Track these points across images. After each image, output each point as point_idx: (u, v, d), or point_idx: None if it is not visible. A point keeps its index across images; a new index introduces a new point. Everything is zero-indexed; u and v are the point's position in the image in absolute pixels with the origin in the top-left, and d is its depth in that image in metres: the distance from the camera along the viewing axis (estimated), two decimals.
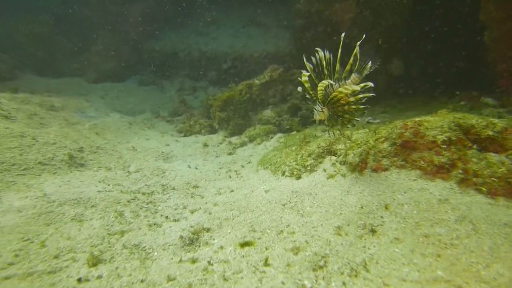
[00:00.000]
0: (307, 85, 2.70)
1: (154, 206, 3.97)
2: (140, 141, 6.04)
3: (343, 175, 3.15)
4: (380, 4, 7.54)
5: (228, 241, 2.91)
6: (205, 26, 12.35)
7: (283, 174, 3.89)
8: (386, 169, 2.86)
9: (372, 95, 2.64)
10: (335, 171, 3.28)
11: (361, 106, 2.75)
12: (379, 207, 2.56)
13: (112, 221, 3.34)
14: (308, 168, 3.56)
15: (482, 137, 2.74)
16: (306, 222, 2.84)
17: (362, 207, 2.64)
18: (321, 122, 3.02)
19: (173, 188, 4.45)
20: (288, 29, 10.89)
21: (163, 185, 4.53)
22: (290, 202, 3.24)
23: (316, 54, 2.79)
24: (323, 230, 2.63)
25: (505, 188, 2.41)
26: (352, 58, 2.69)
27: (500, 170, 2.47)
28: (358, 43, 2.65)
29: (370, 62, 2.67)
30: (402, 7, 7.38)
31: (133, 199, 4.01)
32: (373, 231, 2.37)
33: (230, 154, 5.79)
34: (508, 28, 4.63)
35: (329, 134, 3.08)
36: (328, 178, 3.27)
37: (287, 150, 4.32)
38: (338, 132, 3.02)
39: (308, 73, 2.60)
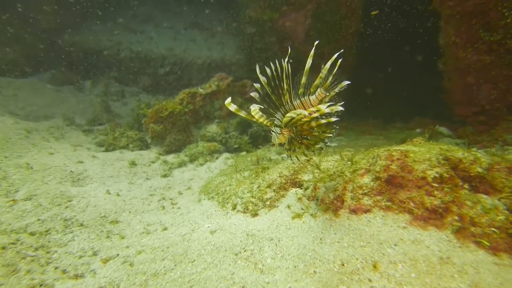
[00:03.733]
0: (257, 116, 2.25)
1: (47, 253, 2.94)
2: (40, 156, 4.76)
3: (313, 215, 2.60)
4: (333, 19, 7.57)
5: None
6: (139, 23, 11.21)
7: (234, 208, 3.19)
8: (368, 211, 2.39)
9: (337, 119, 2.23)
10: (302, 208, 2.72)
11: (331, 127, 2.34)
12: (365, 265, 2.04)
13: None
14: (267, 203, 2.94)
15: (471, 174, 2.47)
16: (268, 283, 2.18)
17: (343, 265, 2.09)
18: (280, 145, 2.57)
19: (81, 224, 3.42)
20: (235, 36, 10.48)
21: (66, 220, 3.47)
22: (245, 250, 2.56)
23: (271, 64, 2.40)
24: None
25: (506, 242, 2.11)
26: (324, 73, 2.27)
27: (499, 218, 2.18)
28: (335, 56, 2.24)
29: (345, 82, 2.29)
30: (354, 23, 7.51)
31: (13, 244, 2.91)
32: None
33: (165, 176, 4.88)
34: (467, 56, 4.79)
35: (290, 159, 2.57)
36: (293, 218, 2.68)
37: (238, 176, 3.65)
38: (302, 157, 2.52)
39: (229, 101, 2.15)
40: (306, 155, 2.49)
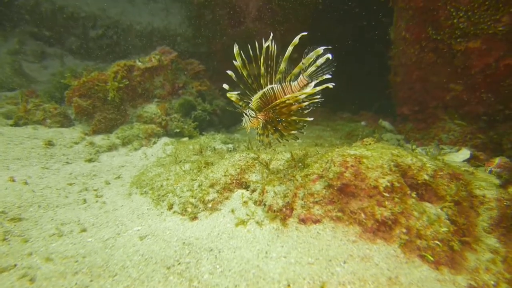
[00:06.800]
0: (233, 98, 2.29)
1: None
2: None
3: (259, 223, 2.36)
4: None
5: None
6: None
7: (170, 208, 2.81)
8: (317, 221, 2.22)
9: (321, 99, 2.41)
10: (247, 214, 2.45)
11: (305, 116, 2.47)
12: (312, 287, 1.86)
13: None
14: (209, 205, 2.61)
15: (419, 181, 2.43)
16: None
17: (289, 285, 1.88)
18: (252, 130, 2.57)
19: None
20: (182, 3, 9.53)
21: None
22: (179, 263, 2.23)
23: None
24: None
25: (447, 255, 2.12)
26: (305, 63, 2.29)
27: (442, 230, 2.18)
28: (321, 48, 2.25)
29: (326, 75, 2.32)
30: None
31: None
32: None
33: (90, 161, 4.21)
34: (415, 52, 4.85)
35: (262, 143, 2.58)
36: (237, 225, 2.41)
37: (177, 169, 3.23)
38: (268, 144, 2.60)
39: (235, 93, 2.26)
40: (279, 142, 2.51)
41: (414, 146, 3.98)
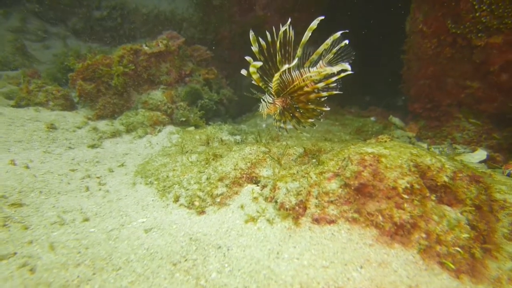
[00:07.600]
0: (255, 76, 2.23)
1: None
2: None
3: (270, 221, 2.25)
4: None
5: None
6: None
7: (176, 200, 2.70)
8: (332, 222, 2.11)
9: (339, 93, 2.41)
10: (257, 211, 2.34)
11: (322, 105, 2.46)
12: None
13: None
14: (218, 199, 2.51)
15: (438, 183, 2.31)
16: None
17: None
18: (269, 116, 2.59)
19: None
20: None
21: None
22: (185, 260, 2.13)
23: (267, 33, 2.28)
24: None
25: (468, 263, 2.02)
26: (322, 47, 2.26)
27: (463, 236, 2.07)
28: (339, 32, 2.22)
29: (346, 63, 2.24)
30: None
31: None
32: None
33: (93, 147, 4.10)
34: (431, 46, 4.64)
35: (279, 130, 2.65)
36: (246, 222, 2.31)
37: (184, 159, 3.12)
38: (285, 131, 2.65)
39: (259, 63, 2.12)
40: (296, 128, 2.53)
41: (429, 145, 3.85)
